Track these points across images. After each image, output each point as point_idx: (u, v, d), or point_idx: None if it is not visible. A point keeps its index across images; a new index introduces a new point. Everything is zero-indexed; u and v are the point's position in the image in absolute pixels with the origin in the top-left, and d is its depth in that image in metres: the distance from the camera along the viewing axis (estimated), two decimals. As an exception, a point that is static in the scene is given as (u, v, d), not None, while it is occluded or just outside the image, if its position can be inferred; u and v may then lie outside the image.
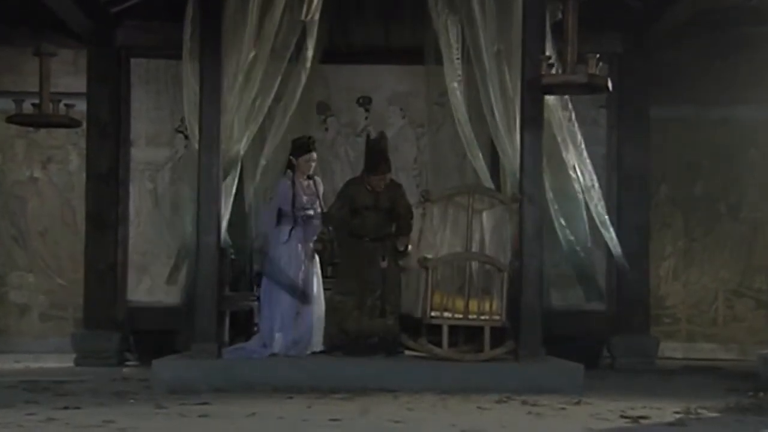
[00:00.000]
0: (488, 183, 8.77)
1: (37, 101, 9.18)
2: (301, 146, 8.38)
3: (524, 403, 6.73)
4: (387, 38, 9.84)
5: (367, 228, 8.23)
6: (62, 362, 9.47)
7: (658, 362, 9.74)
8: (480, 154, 8.78)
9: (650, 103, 9.85)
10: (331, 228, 8.08)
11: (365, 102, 10.17)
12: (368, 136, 8.49)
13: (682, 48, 10.12)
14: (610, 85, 7.39)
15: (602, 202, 8.58)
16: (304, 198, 8.30)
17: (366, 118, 10.17)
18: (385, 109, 10.19)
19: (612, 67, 7.86)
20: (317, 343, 8.21)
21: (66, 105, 9.33)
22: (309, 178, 8.39)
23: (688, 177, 11.14)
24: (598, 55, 7.18)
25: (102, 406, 6.37)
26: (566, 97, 8.25)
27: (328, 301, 8.20)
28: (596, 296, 9.27)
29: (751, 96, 10.67)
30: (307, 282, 8.20)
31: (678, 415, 6.08)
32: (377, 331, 8.09)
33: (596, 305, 9.59)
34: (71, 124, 9.53)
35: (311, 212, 8.30)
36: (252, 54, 8.37)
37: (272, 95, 8.56)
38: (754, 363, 8.78)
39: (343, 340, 8.07)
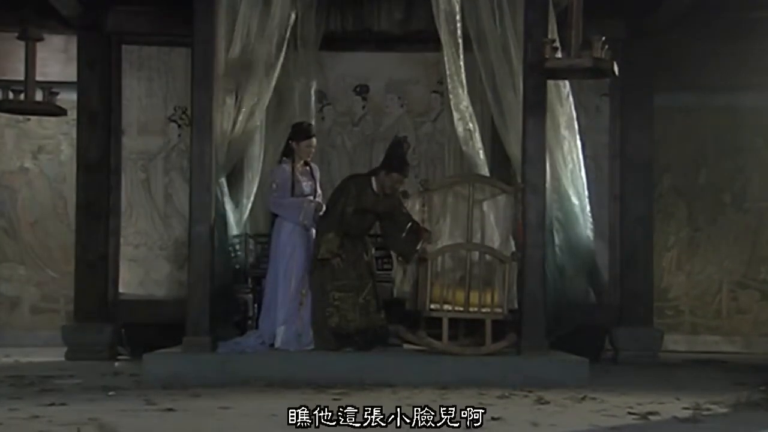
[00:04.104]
0: (487, 172, 8.61)
1: (21, 88, 9.01)
2: (302, 131, 8.20)
3: (527, 398, 6.55)
4: (384, 24, 9.62)
5: (360, 228, 8.09)
6: (53, 356, 9.28)
7: (661, 355, 9.58)
8: (480, 143, 8.61)
9: (654, 91, 9.68)
10: (331, 225, 7.83)
11: (362, 90, 9.97)
12: (396, 135, 8.27)
13: (686, 34, 9.93)
14: (616, 68, 7.19)
15: None
16: (304, 184, 8.13)
17: (363, 107, 9.99)
18: (383, 98, 9.98)
19: (615, 54, 7.67)
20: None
21: (51, 92, 9.14)
22: (306, 164, 8.20)
23: (691, 166, 11.03)
24: (603, 38, 6.98)
25: (89, 402, 6.19)
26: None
27: (323, 297, 7.92)
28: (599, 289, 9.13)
29: (757, 82, 10.56)
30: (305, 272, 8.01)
31: (687, 411, 5.90)
32: (373, 326, 7.93)
33: (599, 297, 9.45)
34: (57, 112, 9.36)
35: (309, 199, 8.12)
36: (245, 41, 8.21)
37: (272, 84, 8.38)
38: (762, 356, 8.64)
39: (347, 336, 7.85)
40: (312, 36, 9.21)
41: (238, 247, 8.73)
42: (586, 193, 8.62)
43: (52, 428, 5.13)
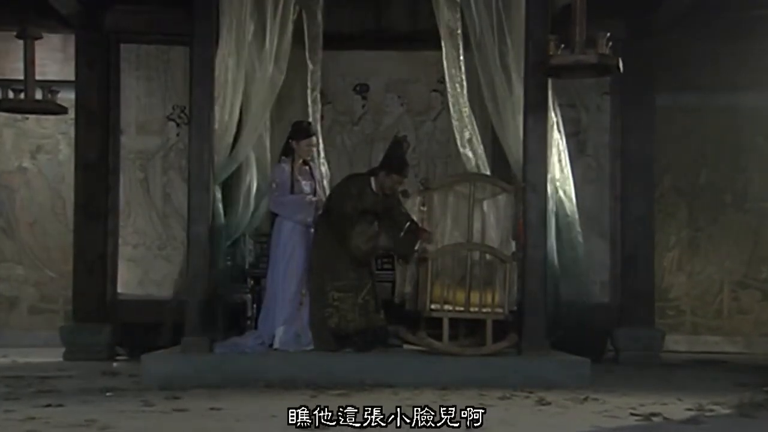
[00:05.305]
0: (488, 173, 8.57)
1: (21, 87, 8.97)
2: (303, 130, 8.15)
3: (528, 398, 6.50)
4: (384, 23, 9.59)
5: (359, 228, 8.00)
6: (51, 356, 9.22)
7: (662, 355, 9.54)
8: (481, 144, 8.57)
9: (655, 90, 9.63)
10: (334, 226, 7.80)
11: (362, 89, 9.92)
12: (396, 135, 8.22)
13: (686, 34, 9.89)
14: (621, 65, 7.14)
15: None
16: (303, 183, 8.08)
17: (363, 106, 9.94)
18: (383, 97, 9.94)
19: (616, 54, 7.62)
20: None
21: (51, 91, 9.10)
22: (305, 163, 8.15)
23: (692, 166, 11.00)
24: (608, 34, 6.93)
25: (86, 403, 6.13)
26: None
27: (322, 298, 7.87)
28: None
29: (757, 82, 10.51)
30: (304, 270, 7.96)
31: (691, 412, 5.85)
32: (372, 326, 7.88)
33: (600, 297, 9.40)
34: (57, 110, 9.31)
35: (310, 197, 8.08)
36: (249, 39, 8.17)
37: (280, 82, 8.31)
38: (763, 356, 8.58)
39: (347, 337, 7.80)
40: (312, 35, 9.16)
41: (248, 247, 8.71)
42: (555, 209, 8.37)
43: (48, 430, 5.08)
